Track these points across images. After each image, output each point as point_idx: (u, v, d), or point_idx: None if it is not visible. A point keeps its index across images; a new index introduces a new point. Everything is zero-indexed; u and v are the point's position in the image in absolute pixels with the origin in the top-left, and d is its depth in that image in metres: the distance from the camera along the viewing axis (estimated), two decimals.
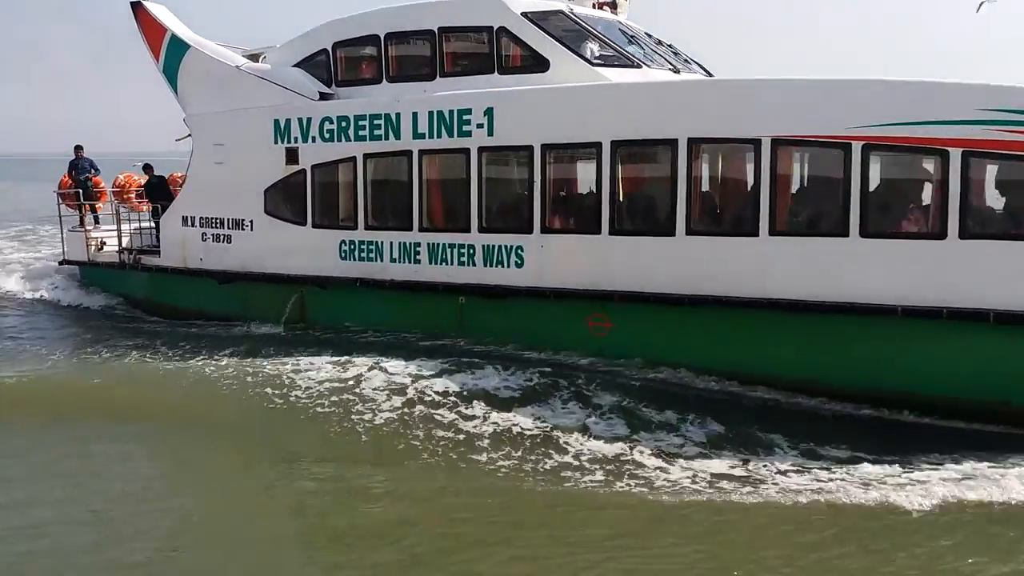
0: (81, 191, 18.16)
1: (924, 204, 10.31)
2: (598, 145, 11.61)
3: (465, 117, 12.61)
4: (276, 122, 14.34)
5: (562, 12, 12.96)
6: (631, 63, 12.63)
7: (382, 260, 13.55)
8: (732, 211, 11.29)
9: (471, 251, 12.75)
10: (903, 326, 9.98)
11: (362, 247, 13.74)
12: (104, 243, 17.67)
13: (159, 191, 16.93)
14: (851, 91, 10.30)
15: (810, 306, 10.36)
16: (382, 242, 13.53)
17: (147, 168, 17.61)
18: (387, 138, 13.35)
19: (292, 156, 14.25)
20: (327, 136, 13.88)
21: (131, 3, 15.76)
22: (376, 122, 13.41)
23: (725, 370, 11.04)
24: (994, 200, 10.11)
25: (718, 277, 10.89)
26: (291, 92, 14.25)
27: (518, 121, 12.23)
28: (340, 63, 14.32)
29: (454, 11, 13.27)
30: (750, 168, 10.82)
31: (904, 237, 10.10)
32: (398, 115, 13.18)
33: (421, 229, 13.19)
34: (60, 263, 18.56)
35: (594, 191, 11.80)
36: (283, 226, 14.47)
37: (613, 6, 14.32)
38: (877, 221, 10.14)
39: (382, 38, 13.75)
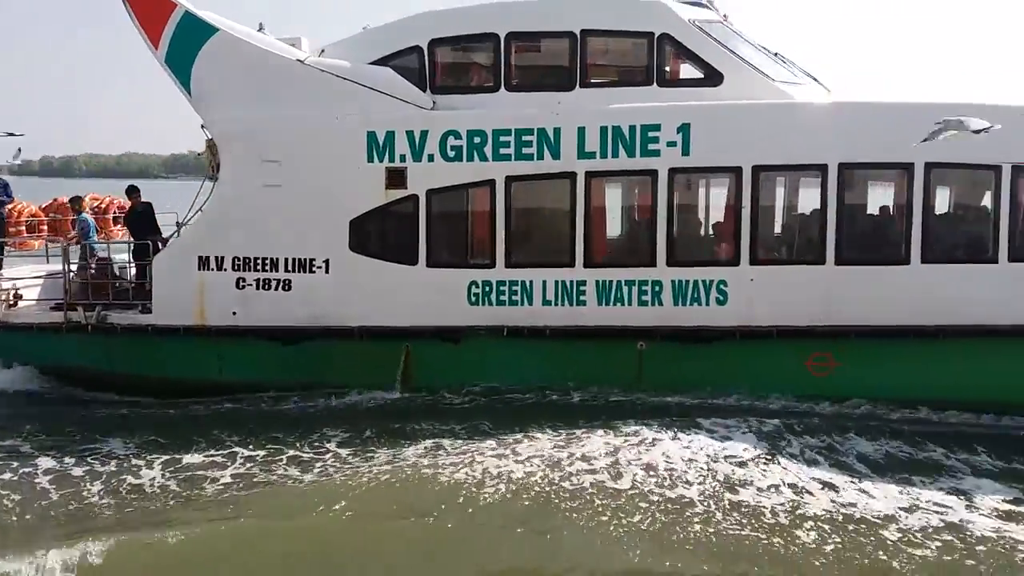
0: None
1: None
2: (823, 167, 10.77)
3: (652, 134, 10.98)
4: (371, 135, 11.27)
5: (722, 23, 11.96)
6: (798, 81, 12.00)
7: (531, 303, 11.17)
8: (969, 238, 11.09)
9: (657, 288, 11.02)
10: None
11: (502, 289, 11.21)
12: (19, 295, 12.40)
13: (145, 222, 12.34)
14: None
15: None
16: (531, 282, 11.16)
17: (133, 192, 12.74)
18: (540, 157, 11.14)
19: (397, 178, 11.27)
20: (451, 155, 11.20)
21: None
22: (525, 138, 11.12)
23: (971, 401, 10.65)
24: None
25: (956, 307, 10.56)
26: (390, 98, 11.32)
27: (724, 139, 10.93)
28: (438, 65, 11.72)
29: (603, 12, 11.50)
30: (988, 194, 10.73)
31: None
32: (557, 130, 11.08)
33: (587, 264, 11.12)
34: None
35: (817, 217, 10.87)
36: (381, 266, 11.32)
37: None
38: None
39: (502, 38, 11.46)
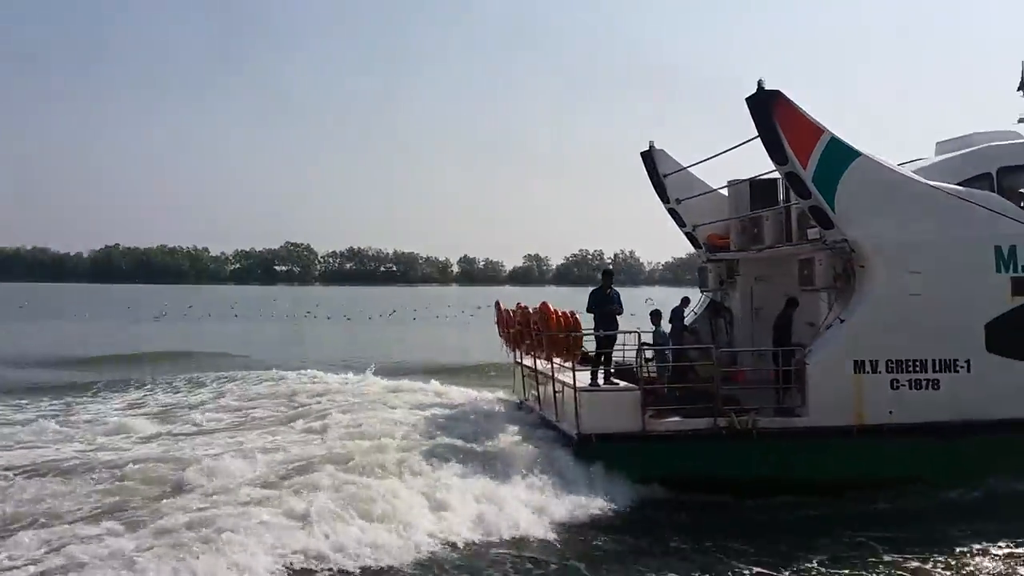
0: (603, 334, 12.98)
1: None
2: None
3: None
4: (998, 250, 13.00)
5: None
6: None
7: None
8: None
9: None
10: None
11: None
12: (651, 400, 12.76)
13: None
14: None
15: None
16: None
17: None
18: None
19: (1021, 287, 13.00)
20: None
21: (762, 92, 12.39)
22: None
23: None
24: None
25: None
26: (1007, 219, 13.18)
27: None
28: (1004, 190, 13.80)
29: None
30: None
31: None
32: None
33: None
34: (579, 440, 12.47)
35: None
36: (1015, 365, 12.91)
37: None
38: None
39: None
